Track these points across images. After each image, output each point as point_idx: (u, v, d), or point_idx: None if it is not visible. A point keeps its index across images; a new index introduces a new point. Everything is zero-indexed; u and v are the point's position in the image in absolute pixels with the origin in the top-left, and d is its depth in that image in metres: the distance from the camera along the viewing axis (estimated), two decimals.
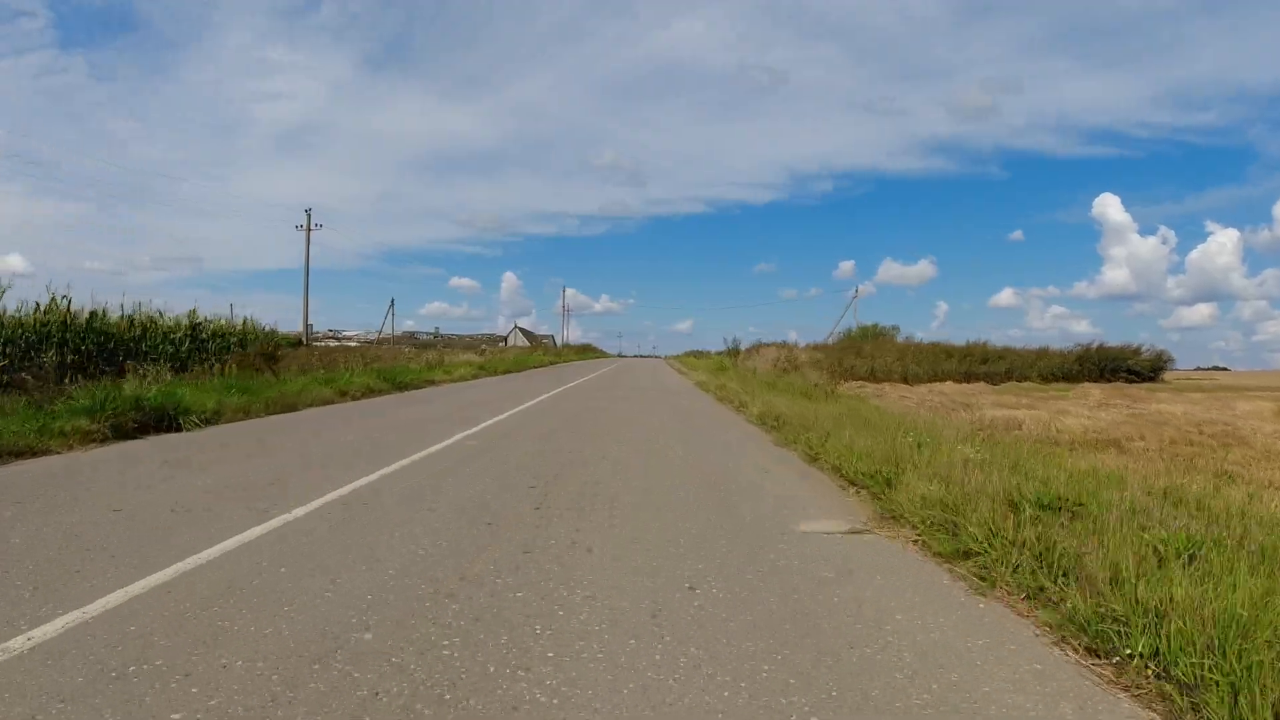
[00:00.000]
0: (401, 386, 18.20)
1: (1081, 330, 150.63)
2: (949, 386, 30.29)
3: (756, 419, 11.75)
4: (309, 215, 48.89)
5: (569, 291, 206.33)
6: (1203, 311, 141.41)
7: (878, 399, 23.72)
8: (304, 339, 49.93)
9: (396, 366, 22.39)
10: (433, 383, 20.85)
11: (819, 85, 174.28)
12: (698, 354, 73.41)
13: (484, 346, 46.43)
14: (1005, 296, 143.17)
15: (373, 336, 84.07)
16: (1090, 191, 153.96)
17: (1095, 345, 50.57)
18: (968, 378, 39.12)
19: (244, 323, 26.86)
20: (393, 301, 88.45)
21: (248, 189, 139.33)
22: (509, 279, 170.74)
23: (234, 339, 25.17)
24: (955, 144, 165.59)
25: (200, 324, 23.57)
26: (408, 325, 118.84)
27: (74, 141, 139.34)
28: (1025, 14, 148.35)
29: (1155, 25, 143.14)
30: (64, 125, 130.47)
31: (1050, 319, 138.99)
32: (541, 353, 59.63)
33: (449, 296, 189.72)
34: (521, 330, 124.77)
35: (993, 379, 39.66)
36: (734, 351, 33.31)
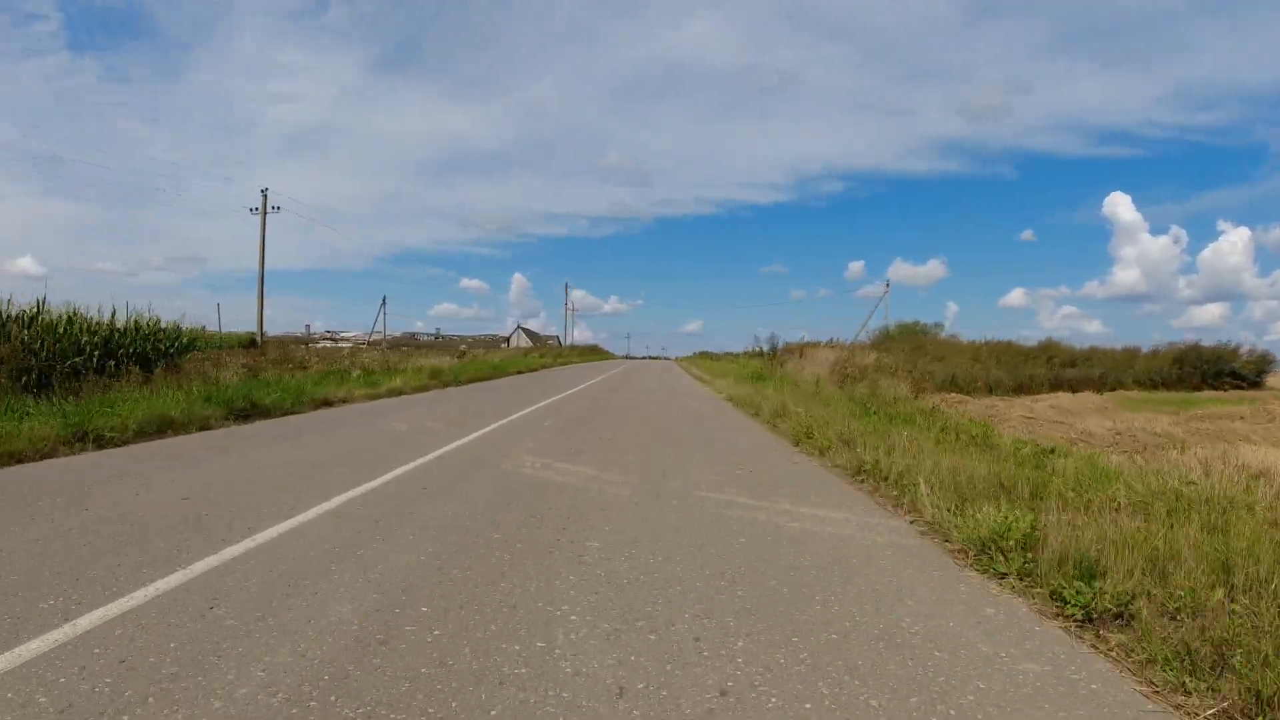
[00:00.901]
0: (248, 413, 10.83)
1: (1093, 331, 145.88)
2: (1066, 400, 22.74)
3: (987, 550, 4.17)
4: (265, 196, 42.01)
5: (577, 293, 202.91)
6: (1214, 311, 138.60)
7: (1001, 421, 16.15)
8: (258, 338, 42.99)
9: (274, 380, 15.00)
10: (329, 403, 13.49)
11: (827, 86, 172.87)
12: (711, 355, 65.73)
13: (463, 348, 39.05)
14: (1015, 297, 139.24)
15: (378, 337, 78.24)
16: (1101, 191, 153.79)
17: (1190, 345, 42.68)
18: (1056, 385, 31.43)
19: (111, 318, 19.47)
20: (384, 300, 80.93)
21: (256, 190, 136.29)
22: (518, 280, 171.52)
23: (90, 340, 17.88)
24: (965, 144, 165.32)
25: (14, 317, 16.24)
26: (418, 326, 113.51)
27: (85, 143, 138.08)
28: (1033, 14, 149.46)
29: (1162, 25, 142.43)
30: (75, 127, 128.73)
31: (1060, 319, 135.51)
32: (538, 354, 52.27)
33: (459, 298, 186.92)
34: (525, 331, 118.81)
35: (1090, 386, 31.94)
36: (771, 353, 25.75)
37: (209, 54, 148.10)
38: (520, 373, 29.82)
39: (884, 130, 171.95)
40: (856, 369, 21.23)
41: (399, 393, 16.97)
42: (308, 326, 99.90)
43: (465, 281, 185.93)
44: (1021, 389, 28.49)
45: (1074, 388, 31.43)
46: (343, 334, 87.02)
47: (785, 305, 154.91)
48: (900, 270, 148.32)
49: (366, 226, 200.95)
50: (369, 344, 64.27)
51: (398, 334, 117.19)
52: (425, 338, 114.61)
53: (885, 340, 49.44)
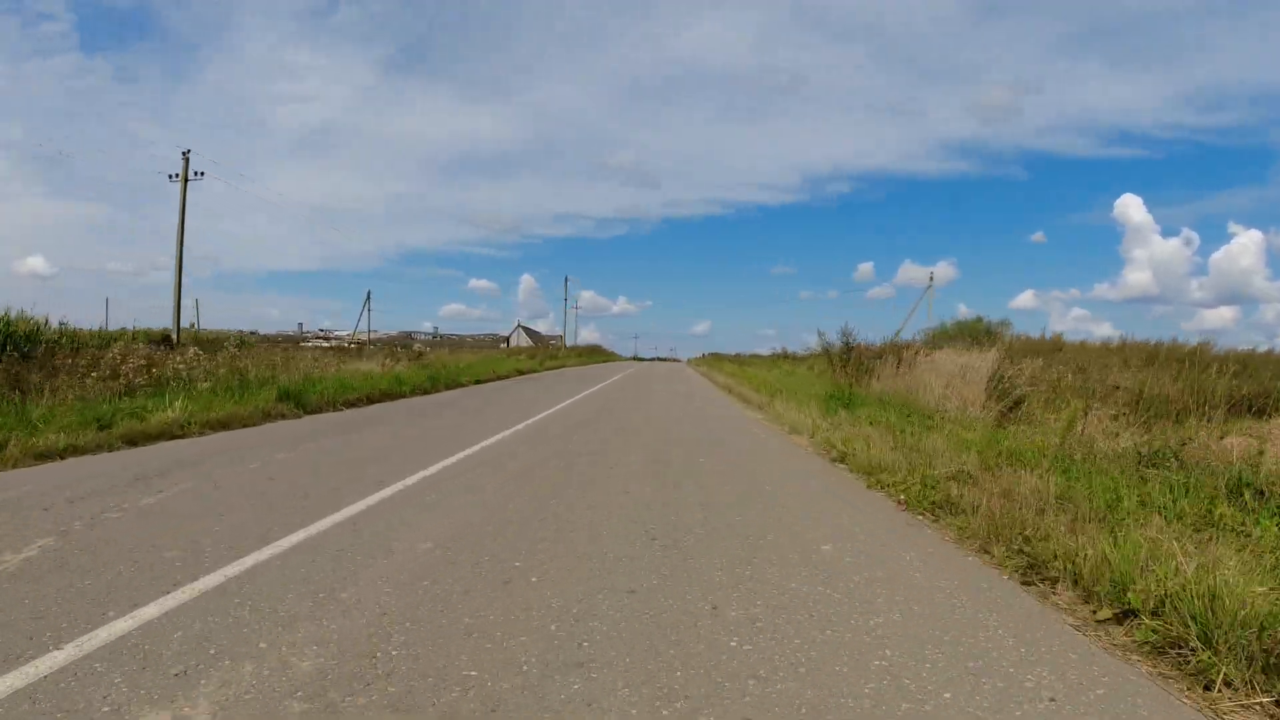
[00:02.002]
0: None
1: (1104, 333, 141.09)
2: None
3: None
4: (186, 160, 33.95)
5: (586, 294, 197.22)
6: (1225, 314, 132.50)
7: None
8: (174, 336, 34.59)
9: None
10: None
11: (837, 87, 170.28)
12: (723, 357, 56.78)
13: (419, 347, 30.22)
14: (1026, 299, 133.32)
15: (363, 336, 72.13)
16: (1112, 192, 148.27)
17: None
18: (1233, 401, 22.42)
19: None
20: (369, 296, 72.53)
21: (267, 190, 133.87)
22: (526, 281, 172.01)
23: None
24: (975, 145, 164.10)
25: None
26: (425, 326, 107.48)
27: (95, 143, 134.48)
28: (1045, 15, 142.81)
29: (1172, 26, 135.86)
30: (85, 127, 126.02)
31: (1071, 321, 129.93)
32: (527, 356, 43.57)
33: (468, 298, 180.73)
34: (526, 330, 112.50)
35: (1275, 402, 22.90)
36: (844, 357, 16.78)
37: (218, 54, 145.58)
38: (478, 382, 21.09)
39: (893, 131, 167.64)
40: (1010, 387, 12.33)
41: (167, 435, 8.29)
42: (300, 325, 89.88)
43: (474, 282, 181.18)
44: (1201, 407, 19.61)
45: (1255, 405, 22.37)
46: (335, 333, 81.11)
47: (793, 306, 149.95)
48: (910, 272, 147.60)
49: (376, 226, 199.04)
50: (353, 343, 56.59)
51: (393, 333, 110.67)
52: (423, 336, 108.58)
53: (945, 339, 40.33)
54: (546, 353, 49.26)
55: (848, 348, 15.90)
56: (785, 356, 38.83)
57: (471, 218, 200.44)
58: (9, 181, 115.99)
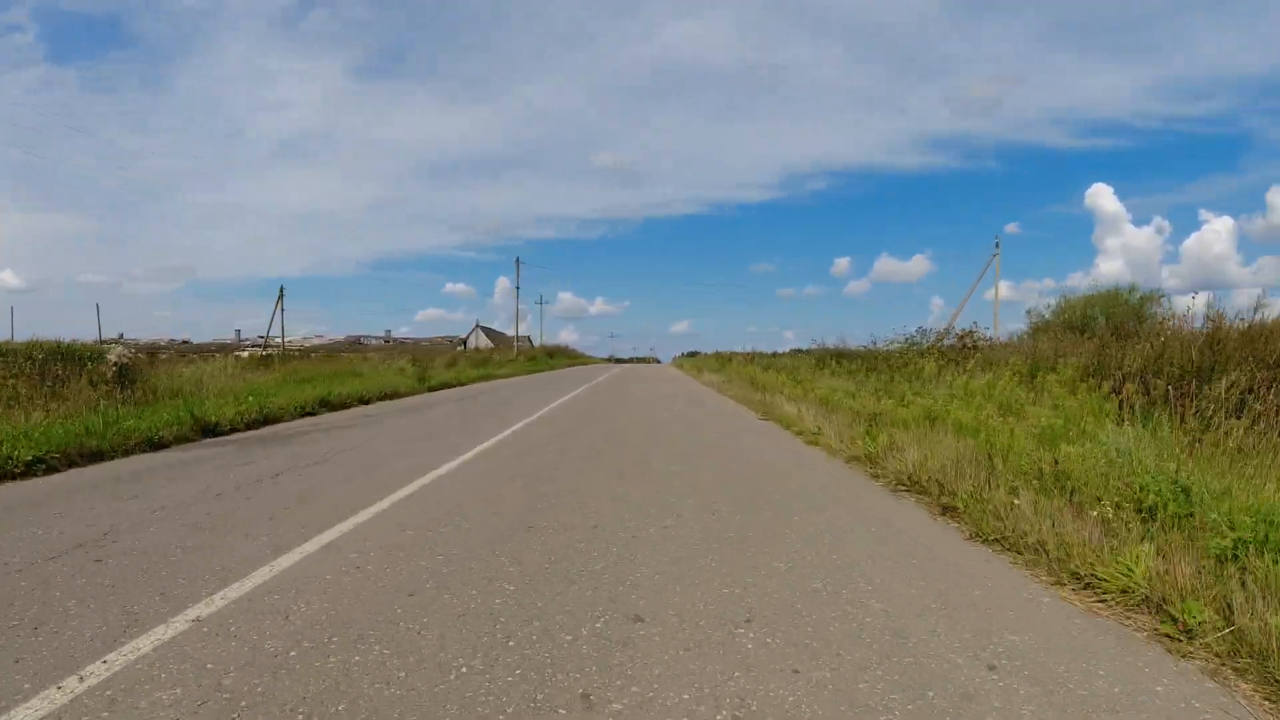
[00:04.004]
0: None
1: None
2: None
3: None
4: None
5: (565, 295, 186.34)
6: (1198, 301, 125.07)
7: None
8: None
9: None
10: None
11: (815, 83, 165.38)
12: (746, 357, 42.94)
13: (118, 352, 15.71)
14: (1001, 289, 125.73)
15: (277, 341, 57.78)
16: (1086, 183, 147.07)
17: None
18: None
19: None
20: (281, 290, 55.78)
21: (245, 197, 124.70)
22: (501, 283, 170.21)
23: None
24: (954, 139, 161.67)
25: None
26: (403, 331, 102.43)
27: (71, 154, 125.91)
28: (1023, 9, 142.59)
29: (1150, 18, 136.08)
30: (59, 137, 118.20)
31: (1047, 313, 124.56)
32: (415, 366, 29.43)
33: (445, 302, 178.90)
34: (485, 330, 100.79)
35: None
36: None
37: (195, 62, 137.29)
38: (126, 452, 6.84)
39: (874, 127, 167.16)
40: None
41: None
42: (238, 332, 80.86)
43: (450, 286, 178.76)
44: None
45: None
46: (279, 339, 69.69)
47: (773, 305, 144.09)
48: (886, 266, 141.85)
49: (357, 231, 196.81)
50: (264, 346, 42.78)
51: (340, 338, 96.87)
52: (373, 341, 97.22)
53: (1088, 321, 26.58)
54: (476, 360, 34.83)
55: None
56: (830, 354, 24.74)
57: (453, 221, 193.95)
58: None
